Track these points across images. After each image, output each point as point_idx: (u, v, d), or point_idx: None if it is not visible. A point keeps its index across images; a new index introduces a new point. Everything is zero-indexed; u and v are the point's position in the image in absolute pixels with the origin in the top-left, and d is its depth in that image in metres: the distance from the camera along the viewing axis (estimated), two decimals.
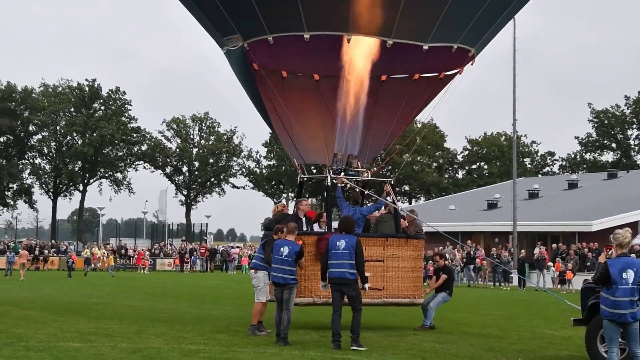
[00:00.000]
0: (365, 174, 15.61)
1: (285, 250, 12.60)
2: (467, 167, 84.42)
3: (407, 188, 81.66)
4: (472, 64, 16.18)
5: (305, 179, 16.08)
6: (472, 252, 40.61)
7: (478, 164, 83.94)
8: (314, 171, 17.06)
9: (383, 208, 16.09)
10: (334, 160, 15.17)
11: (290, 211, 15.62)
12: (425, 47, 14.87)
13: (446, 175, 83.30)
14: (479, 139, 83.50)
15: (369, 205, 16.09)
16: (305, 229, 14.53)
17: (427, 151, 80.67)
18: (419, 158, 79.40)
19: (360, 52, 14.85)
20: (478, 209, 54.37)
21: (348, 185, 15.88)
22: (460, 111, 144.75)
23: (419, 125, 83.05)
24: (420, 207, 69.55)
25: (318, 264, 13.68)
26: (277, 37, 14.74)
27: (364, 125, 15.72)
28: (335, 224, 14.57)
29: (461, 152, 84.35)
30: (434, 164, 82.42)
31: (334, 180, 14.98)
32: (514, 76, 42.88)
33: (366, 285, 12.26)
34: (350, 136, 15.45)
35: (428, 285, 17.14)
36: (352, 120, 15.37)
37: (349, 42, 14.52)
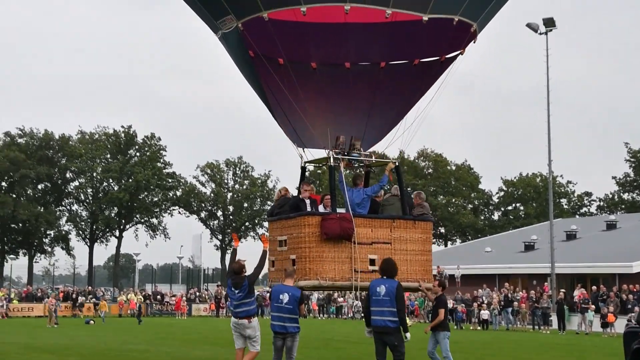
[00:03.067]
0: (369, 157, 15.23)
1: (285, 297, 12.04)
2: (502, 209, 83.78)
3: (442, 230, 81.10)
4: (474, 42, 15.53)
5: (307, 164, 15.47)
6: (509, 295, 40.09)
7: (514, 205, 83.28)
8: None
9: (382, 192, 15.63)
10: (336, 144, 14.67)
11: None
12: (425, 18, 14.21)
13: (482, 217, 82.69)
14: (515, 180, 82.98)
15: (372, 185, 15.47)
16: (309, 209, 14.18)
17: (462, 192, 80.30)
18: (453, 200, 79.00)
19: (358, 33, 14.33)
20: (515, 251, 53.77)
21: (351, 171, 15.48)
22: (495, 152, 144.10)
23: (454, 167, 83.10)
24: (456, 249, 69.05)
25: (323, 245, 13.47)
26: (272, 13, 14.15)
27: (364, 111, 15.36)
28: (341, 210, 14.16)
29: (496, 193, 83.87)
30: (469, 205, 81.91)
31: (337, 164, 14.43)
32: (548, 117, 42.65)
33: (407, 335, 11.48)
34: (351, 121, 15.14)
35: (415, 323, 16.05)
36: (353, 106, 15.05)
37: (346, 13, 13.88)
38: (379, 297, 11.43)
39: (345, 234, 13.60)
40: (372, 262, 13.88)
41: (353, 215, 13.82)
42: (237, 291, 12.62)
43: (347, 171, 14.88)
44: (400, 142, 15.44)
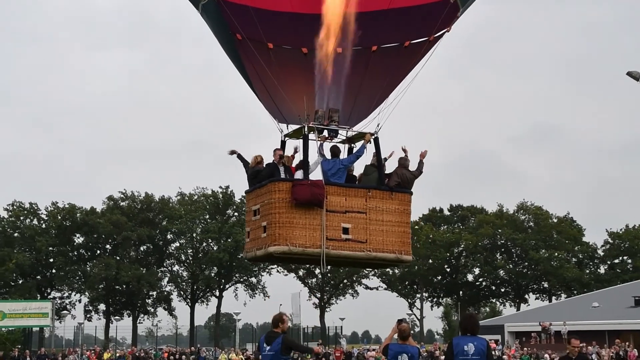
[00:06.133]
0: (348, 128, 14.93)
1: (405, 358, 11.41)
2: (609, 262, 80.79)
3: (545, 285, 78.70)
4: (457, 17, 15.22)
5: (286, 137, 15.15)
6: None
7: (621, 258, 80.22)
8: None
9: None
10: (315, 117, 14.43)
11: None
12: None
13: (587, 271, 79.88)
14: (621, 232, 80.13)
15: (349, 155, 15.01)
16: (283, 176, 14.02)
17: (565, 246, 77.90)
18: (556, 254, 76.69)
19: (352, 22, 14.27)
20: (624, 306, 51.59)
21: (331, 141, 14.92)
22: (599, 204, 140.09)
23: (555, 220, 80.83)
24: (562, 304, 66.74)
25: (293, 211, 13.32)
26: None
27: (353, 92, 15.11)
28: (317, 176, 14.03)
29: (602, 246, 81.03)
30: (573, 259, 79.35)
31: (314, 137, 14.34)
32: None
33: None
34: (340, 101, 14.82)
35: None
36: (342, 88, 14.76)
37: None
38: (468, 357, 10.73)
39: (316, 199, 13.40)
40: (346, 230, 13.65)
41: (327, 184, 13.67)
42: (267, 347, 11.25)
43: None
44: (379, 117, 15.15)
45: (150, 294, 75.77)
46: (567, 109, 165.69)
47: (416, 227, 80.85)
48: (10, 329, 55.04)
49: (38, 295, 69.25)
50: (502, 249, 79.80)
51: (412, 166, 14.90)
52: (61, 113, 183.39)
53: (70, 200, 76.78)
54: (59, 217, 73.22)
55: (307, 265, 79.55)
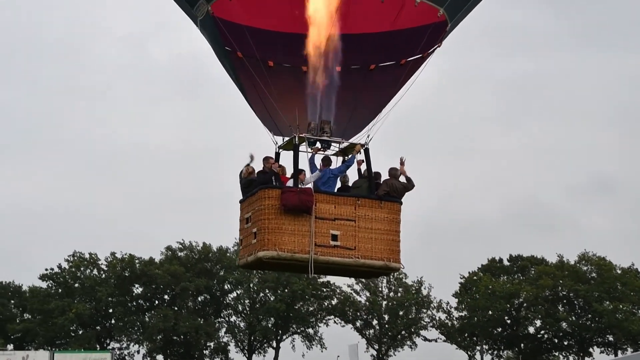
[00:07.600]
0: (340, 140, 15.38)
1: None
2: None
3: (611, 338, 76.47)
4: (446, 31, 15.80)
5: (280, 149, 15.61)
6: None
7: None
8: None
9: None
10: (308, 129, 14.94)
11: None
12: None
13: None
14: None
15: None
16: (274, 184, 14.47)
17: (630, 298, 75.77)
18: (621, 306, 74.61)
19: (351, 43, 14.78)
20: None
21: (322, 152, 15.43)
22: None
23: (619, 271, 78.93)
24: (628, 359, 64.69)
25: (282, 217, 13.72)
26: None
27: (350, 107, 15.61)
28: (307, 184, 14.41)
29: None
30: None
31: (308, 149, 14.88)
32: None
33: None
34: (336, 116, 15.24)
35: None
36: (340, 104, 15.18)
37: None
38: None
39: (304, 206, 13.76)
40: (335, 237, 14.02)
41: (317, 192, 14.10)
42: None
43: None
44: (370, 129, 15.83)
45: (208, 344, 75.71)
46: (626, 157, 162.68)
47: (475, 277, 79.63)
48: None
49: (97, 346, 69.81)
50: (564, 301, 77.98)
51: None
52: (120, 163, 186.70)
53: (129, 250, 77.54)
54: (118, 268, 74.03)
55: (365, 317, 78.89)
